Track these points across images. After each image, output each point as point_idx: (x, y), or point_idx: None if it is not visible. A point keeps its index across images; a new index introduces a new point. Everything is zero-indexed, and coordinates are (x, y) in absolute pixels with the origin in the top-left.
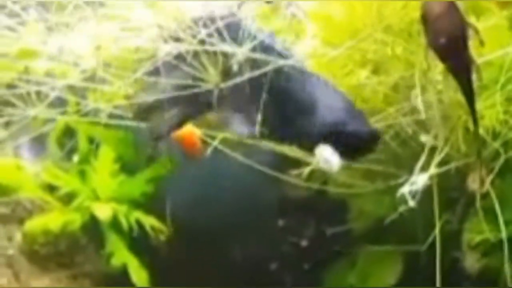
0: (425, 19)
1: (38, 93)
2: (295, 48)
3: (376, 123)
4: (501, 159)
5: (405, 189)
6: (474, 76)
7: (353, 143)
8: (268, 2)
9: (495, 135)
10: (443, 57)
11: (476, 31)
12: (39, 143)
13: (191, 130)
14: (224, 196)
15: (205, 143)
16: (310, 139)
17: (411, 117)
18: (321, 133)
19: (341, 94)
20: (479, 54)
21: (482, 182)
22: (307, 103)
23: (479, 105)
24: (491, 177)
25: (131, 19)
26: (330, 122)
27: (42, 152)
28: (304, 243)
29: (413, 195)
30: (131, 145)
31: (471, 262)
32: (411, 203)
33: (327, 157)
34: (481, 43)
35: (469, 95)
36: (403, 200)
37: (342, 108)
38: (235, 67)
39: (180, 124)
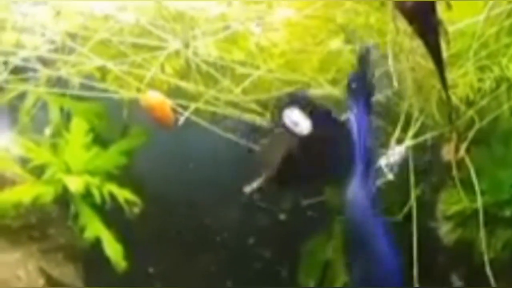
0: None
1: (5, 63)
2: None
3: None
4: (476, 127)
5: (382, 162)
6: (443, 42)
7: None
8: None
9: (469, 103)
10: (410, 19)
11: None
12: (9, 115)
13: (162, 100)
14: (199, 168)
15: (176, 113)
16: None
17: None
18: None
19: None
20: (451, 22)
21: (457, 151)
22: None
23: (453, 73)
24: (465, 145)
25: None
26: None
27: (13, 125)
28: (281, 216)
29: (390, 167)
30: (103, 117)
31: (446, 232)
32: (389, 176)
33: (296, 119)
34: (449, 6)
35: (438, 58)
36: (381, 173)
37: None
38: None
39: None
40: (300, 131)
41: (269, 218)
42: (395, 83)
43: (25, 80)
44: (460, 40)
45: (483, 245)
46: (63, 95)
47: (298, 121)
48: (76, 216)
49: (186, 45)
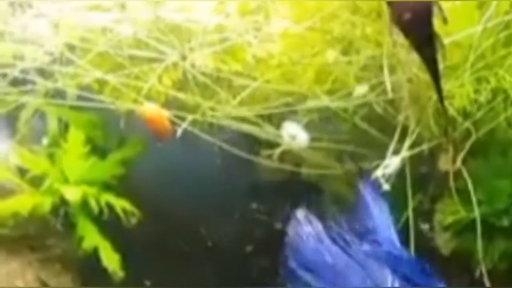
0: None
1: (4, 75)
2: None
3: (347, 103)
4: (472, 138)
5: (378, 173)
6: (439, 55)
7: None
8: None
9: (466, 115)
10: (407, 32)
11: (440, 8)
12: (8, 126)
13: (159, 112)
14: (197, 179)
15: (174, 124)
16: None
17: (382, 97)
18: None
19: None
20: (447, 34)
21: (454, 161)
22: None
23: (449, 85)
24: (462, 155)
25: None
26: None
27: (12, 135)
28: (278, 225)
29: (387, 178)
30: (100, 127)
31: (444, 242)
32: (385, 187)
33: (293, 133)
34: (445, 20)
35: (434, 71)
36: (377, 184)
37: None
38: None
39: None
40: (297, 144)
41: (266, 228)
42: (391, 94)
43: (24, 92)
44: (456, 51)
45: (480, 255)
46: (61, 106)
47: (296, 134)
48: (74, 227)
49: (183, 57)
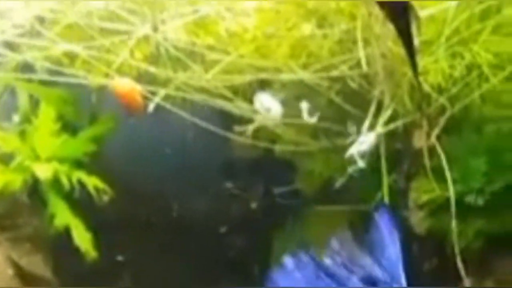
0: None
1: None
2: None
3: (322, 78)
4: (447, 114)
5: (353, 150)
6: (414, 27)
7: None
8: None
9: (441, 91)
10: (381, 4)
11: None
12: None
13: (132, 86)
14: (169, 156)
15: (146, 99)
16: None
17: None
18: None
19: None
20: (422, 7)
21: (428, 138)
22: None
23: (424, 60)
24: (436, 131)
25: None
26: None
27: None
28: (253, 205)
29: (362, 155)
30: (72, 103)
31: (418, 221)
32: (360, 164)
33: (267, 104)
34: None
35: (408, 44)
36: (352, 161)
37: None
38: None
39: None
40: (272, 117)
41: (241, 206)
42: (365, 68)
43: None
44: (431, 26)
45: (455, 235)
46: (31, 80)
47: (270, 106)
48: (45, 205)
49: (155, 29)
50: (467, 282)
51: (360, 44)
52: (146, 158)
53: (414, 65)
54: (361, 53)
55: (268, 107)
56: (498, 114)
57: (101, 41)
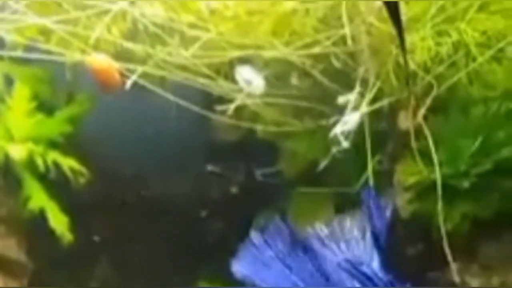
0: None
1: None
2: None
3: (305, 55)
4: (433, 93)
5: (337, 129)
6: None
7: None
8: None
9: (427, 69)
10: None
11: None
12: None
13: (108, 62)
14: (148, 136)
15: (123, 76)
16: None
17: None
18: None
19: None
20: None
21: (414, 117)
22: None
23: (411, 38)
24: (423, 111)
25: None
26: None
27: None
28: (234, 189)
29: (346, 135)
30: (47, 82)
31: (404, 204)
32: (345, 144)
33: (248, 77)
34: None
35: (396, 19)
36: (336, 141)
37: None
38: None
39: None
40: (253, 90)
41: (222, 189)
42: (350, 45)
43: None
44: (417, 3)
45: (441, 218)
46: (2, 58)
47: (251, 79)
48: (19, 186)
49: (132, 3)
50: (453, 266)
51: (344, 19)
52: (123, 138)
53: (402, 42)
54: (346, 29)
55: (249, 79)
56: (485, 95)
57: (75, 14)
